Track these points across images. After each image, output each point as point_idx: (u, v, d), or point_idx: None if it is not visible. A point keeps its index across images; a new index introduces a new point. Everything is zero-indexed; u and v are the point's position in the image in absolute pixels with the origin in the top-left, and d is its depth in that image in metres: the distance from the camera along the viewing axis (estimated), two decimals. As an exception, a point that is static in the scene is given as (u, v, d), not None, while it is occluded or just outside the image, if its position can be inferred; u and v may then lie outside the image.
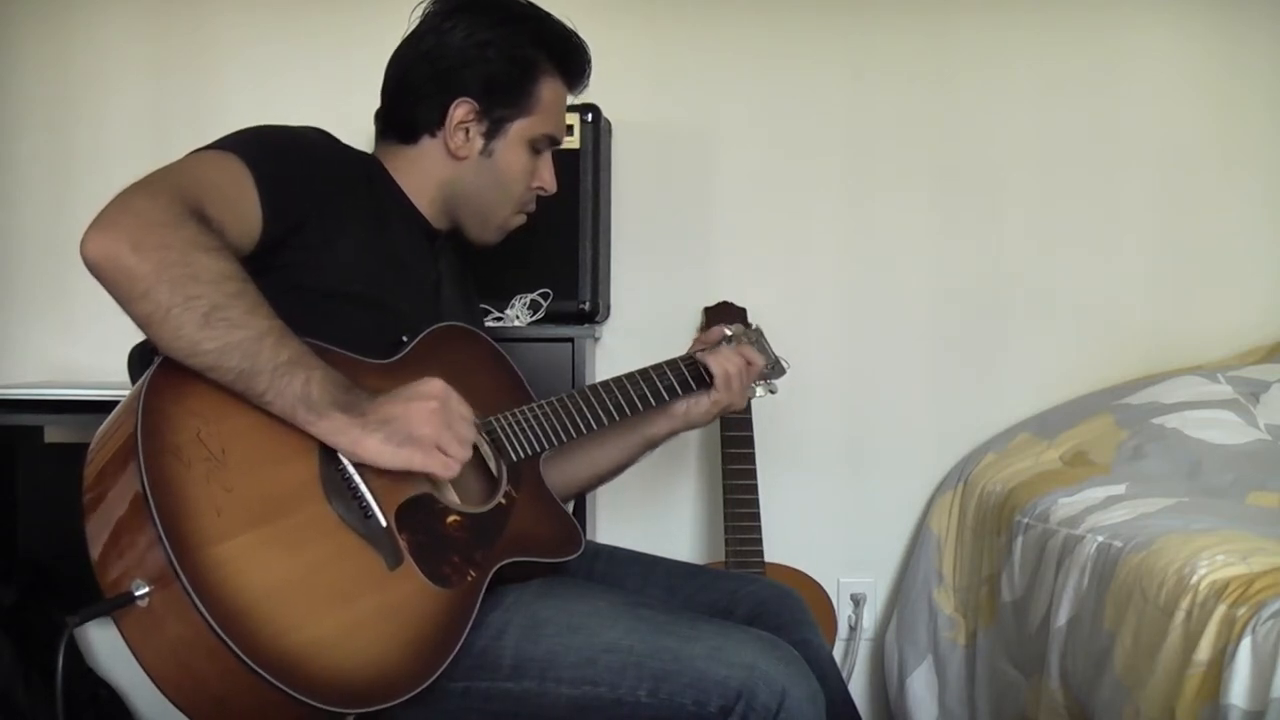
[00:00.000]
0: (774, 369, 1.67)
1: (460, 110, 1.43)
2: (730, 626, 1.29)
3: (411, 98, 1.45)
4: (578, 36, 1.50)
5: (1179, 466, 1.95)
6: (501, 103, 1.45)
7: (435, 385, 1.20)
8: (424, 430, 1.16)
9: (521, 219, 1.55)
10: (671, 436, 1.59)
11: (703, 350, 1.57)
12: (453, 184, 1.47)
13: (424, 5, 1.47)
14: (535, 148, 1.50)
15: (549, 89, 1.48)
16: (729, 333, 1.61)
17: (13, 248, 2.29)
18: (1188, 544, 1.49)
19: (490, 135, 1.46)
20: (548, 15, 1.49)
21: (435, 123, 1.44)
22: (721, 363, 1.54)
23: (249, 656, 0.99)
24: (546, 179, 1.53)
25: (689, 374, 1.55)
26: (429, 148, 1.46)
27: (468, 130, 1.45)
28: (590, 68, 1.53)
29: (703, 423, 1.58)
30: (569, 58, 1.50)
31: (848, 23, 2.33)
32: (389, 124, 1.48)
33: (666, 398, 1.53)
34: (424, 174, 1.46)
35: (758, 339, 1.66)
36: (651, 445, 1.59)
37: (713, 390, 1.54)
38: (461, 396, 1.24)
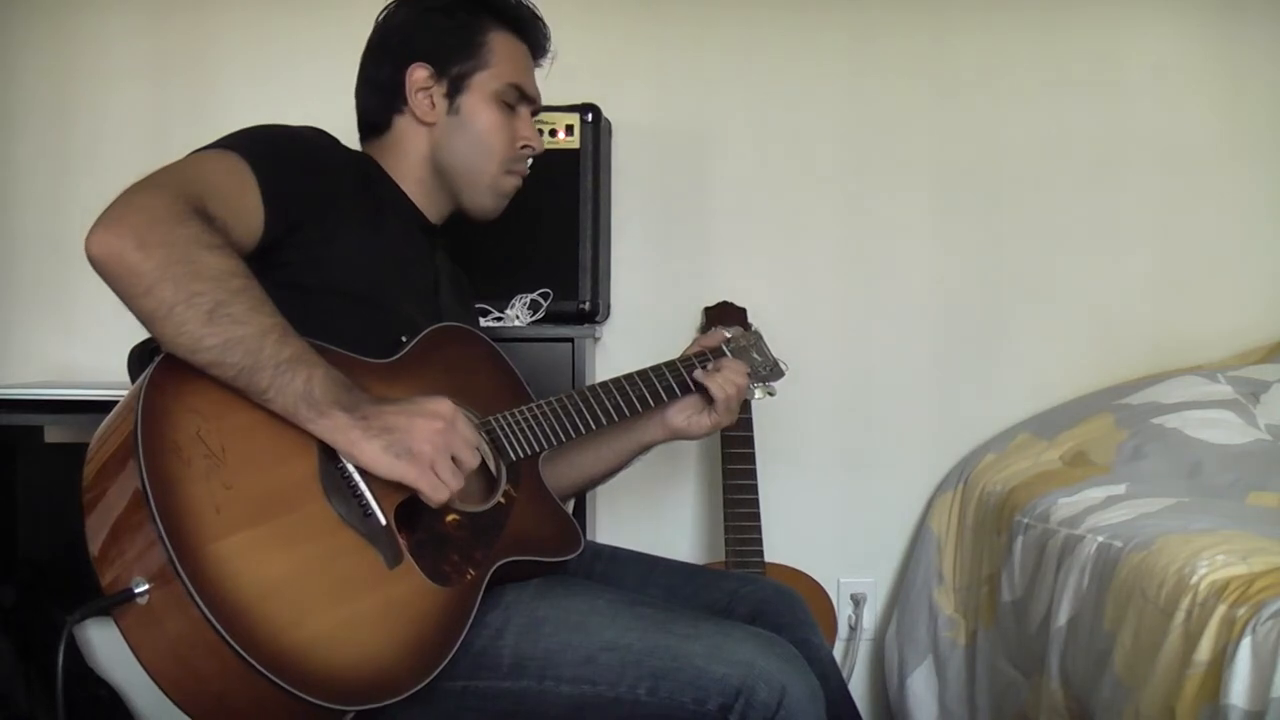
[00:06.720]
0: (772, 371, 1.66)
1: (416, 75, 1.44)
2: (730, 625, 1.29)
3: (372, 84, 1.47)
4: None
5: (1179, 466, 1.94)
6: (453, 58, 1.45)
7: (445, 406, 1.20)
8: (424, 448, 1.16)
9: (516, 181, 1.53)
10: (664, 443, 1.59)
11: (700, 363, 1.56)
12: (435, 155, 1.46)
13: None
14: (504, 101, 1.48)
15: (500, 40, 1.48)
16: (728, 335, 1.61)
17: (13, 248, 2.29)
18: (1188, 544, 1.49)
19: (452, 94, 1.46)
20: None
21: (398, 97, 1.45)
22: (723, 386, 1.53)
23: (249, 653, 0.99)
24: (529, 134, 1.51)
25: (688, 376, 1.55)
26: (402, 126, 1.47)
27: (430, 94, 1.45)
28: (543, 24, 1.52)
29: (698, 437, 1.59)
30: (511, 8, 1.49)
31: (848, 22, 2.34)
32: (363, 123, 1.50)
33: (665, 399, 1.53)
34: (408, 157, 1.47)
35: (756, 341, 1.66)
36: (643, 450, 1.59)
37: (713, 412, 1.55)
38: (464, 404, 1.23)
